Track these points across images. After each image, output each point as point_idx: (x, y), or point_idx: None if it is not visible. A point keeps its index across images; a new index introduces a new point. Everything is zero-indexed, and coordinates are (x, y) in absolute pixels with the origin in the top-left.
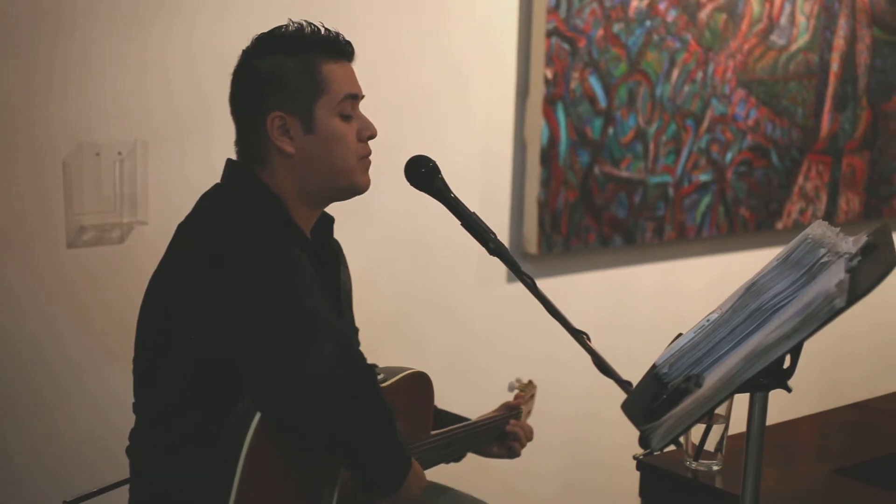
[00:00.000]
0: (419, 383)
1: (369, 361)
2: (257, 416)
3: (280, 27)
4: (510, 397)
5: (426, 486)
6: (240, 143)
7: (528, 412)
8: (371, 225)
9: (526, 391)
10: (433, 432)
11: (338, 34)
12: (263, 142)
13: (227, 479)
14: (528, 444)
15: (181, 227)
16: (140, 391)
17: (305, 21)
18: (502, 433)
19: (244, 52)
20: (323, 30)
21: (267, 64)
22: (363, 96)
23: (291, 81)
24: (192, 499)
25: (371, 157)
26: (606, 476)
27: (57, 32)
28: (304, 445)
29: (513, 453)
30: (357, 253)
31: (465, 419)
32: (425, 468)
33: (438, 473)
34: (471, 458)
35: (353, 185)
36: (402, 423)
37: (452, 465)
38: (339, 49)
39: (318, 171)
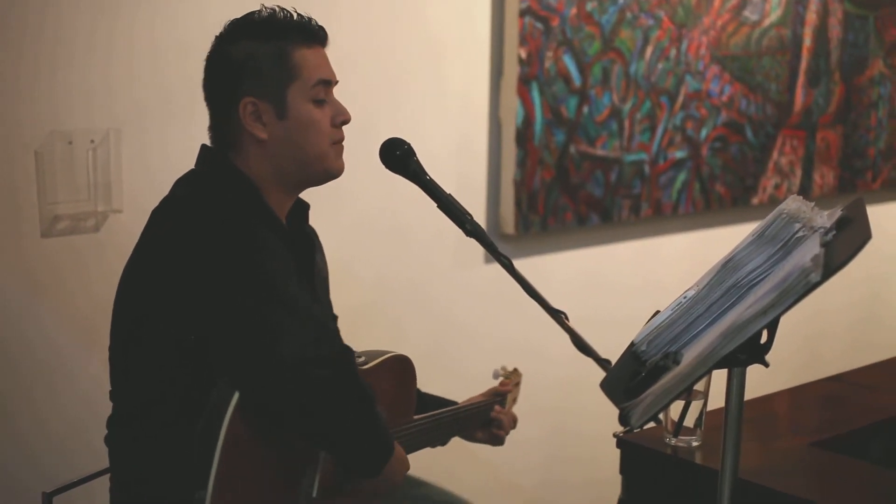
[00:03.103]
0: (401, 367)
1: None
2: (235, 396)
3: (253, 13)
4: (489, 382)
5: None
6: (213, 128)
7: (514, 399)
8: (346, 208)
9: (511, 378)
10: (416, 416)
11: (310, 19)
12: (236, 127)
13: (206, 461)
14: (510, 432)
15: (155, 212)
16: (117, 379)
17: (278, 6)
18: (487, 419)
19: (217, 37)
20: (295, 15)
21: (239, 50)
22: (337, 81)
23: (264, 67)
24: (173, 483)
25: (345, 141)
26: (587, 459)
27: (27, 20)
28: (282, 429)
29: (497, 440)
30: (332, 236)
31: (450, 402)
32: (409, 452)
33: (421, 462)
34: (454, 447)
35: (327, 170)
36: (384, 408)
37: (435, 455)
38: (312, 34)
39: (291, 157)
